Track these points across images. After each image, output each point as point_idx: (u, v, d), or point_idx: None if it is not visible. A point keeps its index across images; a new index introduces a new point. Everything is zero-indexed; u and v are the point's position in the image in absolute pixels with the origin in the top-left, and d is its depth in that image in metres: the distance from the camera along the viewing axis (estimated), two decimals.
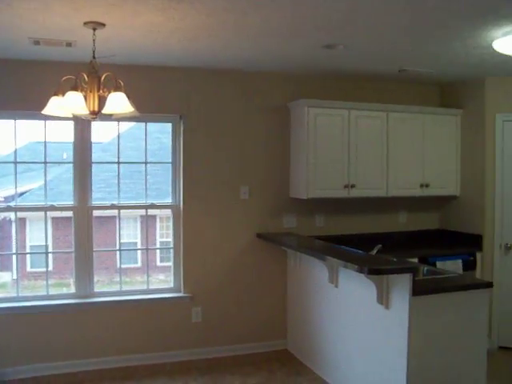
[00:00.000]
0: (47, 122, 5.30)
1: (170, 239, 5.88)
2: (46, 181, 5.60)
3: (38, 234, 8.77)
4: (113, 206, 5.70)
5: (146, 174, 5.78)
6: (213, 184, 5.81)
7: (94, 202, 5.57)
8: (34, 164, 6.32)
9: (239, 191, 5.91)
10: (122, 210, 5.78)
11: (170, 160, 5.80)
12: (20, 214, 6.61)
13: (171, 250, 5.87)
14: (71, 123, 5.39)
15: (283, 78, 6.02)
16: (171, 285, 5.86)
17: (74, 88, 3.78)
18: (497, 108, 6.08)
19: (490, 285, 4.39)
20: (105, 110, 3.90)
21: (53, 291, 5.69)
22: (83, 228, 5.49)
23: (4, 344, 5.18)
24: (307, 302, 5.63)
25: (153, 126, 5.97)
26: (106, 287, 6.22)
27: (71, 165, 5.53)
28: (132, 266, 9.42)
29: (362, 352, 4.61)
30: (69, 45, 4.49)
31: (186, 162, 5.72)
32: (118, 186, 5.65)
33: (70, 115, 4.01)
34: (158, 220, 10.14)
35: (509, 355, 5.95)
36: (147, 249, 6.14)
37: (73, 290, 5.57)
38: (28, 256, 10.18)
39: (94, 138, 5.56)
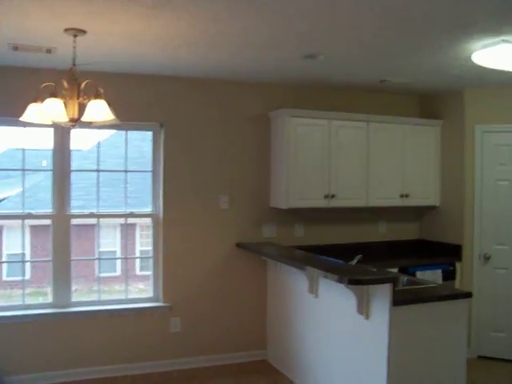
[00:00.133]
0: (26, 128, 5.23)
1: (150, 248, 5.83)
2: (24, 188, 5.53)
3: (15, 242, 8.65)
4: (91, 215, 5.64)
5: (126, 182, 5.73)
6: (193, 193, 5.78)
7: (73, 210, 5.51)
8: (12, 171, 6.23)
9: (219, 200, 5.89)
10: (101, 219, 5.73)
11: (150, 168, 5.76)
12: None
13: (150, 260, 5.82)
14: (51, 130, 5.33)
15: (264, 87, 6.02)
16: (150, 294, 5.81)
17: (54, 95, 3.74)
18: (476, 119, 6.13)
19: (469, 295, 4.41)
20: (84, 118, 3.86)
21: (29, 300, 5.62)
22: (61, 236, 5.43)
23: None
24: (287, 312, 5.60)
25: (134, 134, 5.93)
26: (85, 296, 6.14)
27: (50, 172, 5.46)
28: (111, 274, 9.32)
29: (342, 362, 4.60)
30: (49, 51, 4.45)
31: (167, 171, 5.69)
32: (98, 195, 5.60)
33: (49, 122, 3.95)
34: (138, 228, 10.07)
35: (488, 365, 5.96)
36: (126, 258, 6.10)
37: (50, 299, 5.48)
38: (4, 264, 10.04)
39: (73, 146, 5.52)
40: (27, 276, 6.96)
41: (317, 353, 5.01)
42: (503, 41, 4.02)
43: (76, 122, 3.91)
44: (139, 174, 6.05)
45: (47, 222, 5.46)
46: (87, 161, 6.00)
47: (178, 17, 3.63)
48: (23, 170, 5.41)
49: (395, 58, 4.84)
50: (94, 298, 5.73)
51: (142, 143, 6.45)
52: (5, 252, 9.92)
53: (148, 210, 5.80)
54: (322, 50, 4.55)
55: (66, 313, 5.38)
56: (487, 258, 6.12)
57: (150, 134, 5.77)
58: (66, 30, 3.82)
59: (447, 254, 6.31)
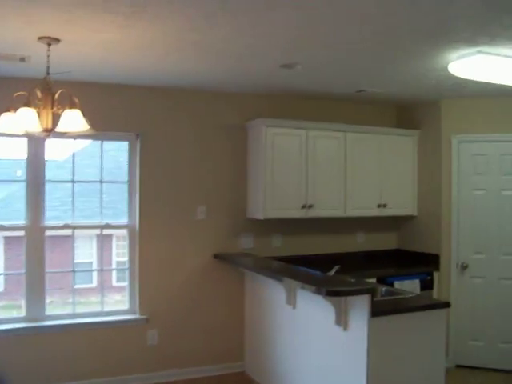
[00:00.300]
0: None
1: (126, 259, 5.75)
2: None
3: None
4: (66, 226, 5.55)
5: (102, 193, 5.67)
6: (169, 204, 5.73)
7: (48, 222, 5.42)
8: None
9: (196, 211, 5.85)
10: (77, 229, 5.64)
11: (126, 179, 5.69)
12: None
13: (126, 271, 5.74)
14: (25, 140, 5.25)
15: (241, 97, 6.01)
16: (126, 306, 5.73)
17: (27, 104, 3.68)
18: (452, 129, 6.18)
19: (447, 305, 4.40)
20: (59, 128, 3.81)
21: (2, 314, 5.50)
22: (35, 248, 5.33)
23: None
24: (265, 323, 5.56)
25: (110, 145, 5.86)
26: (60, 308, 6.03)
27: (24, 183, 5.36)
28: (87, 286, 9.19)
29: (321, 374, 4.56)
30: (22, 60, 4.37)
31: (143, 182, 5.64)
32: (73, 205, 5.52)
33: (22, 132, 3.88)
34: (114, 239, 9.95)
35: (466, 374, 5.97)
36: (101, 270, 6.01)
37: (23, 313, 5.37)
38: None
39: (49, 156, 5.44)
40: (0, 289, 6.82)
41: (295, 364, 4.97)
42: (479, 52, 4.05)
43: (50, 132, 3.85)
44: (116, 184, 5.97)
45: (21, 233, 5.36)
46: (63, 171, 5.90)
47: (155, 26, 3.60)
48: None
49: (372, 68, 4.85)
50: (69, 310, 5.61)
51: (118, 153, 6.38)
52: None
53: (124, 221, 5.73)
54: (299, 59, 4.54)
55: (40, 327, 5.26)
56: (464, 268, 6.14)
57: (126, 144, 5.71)
58: (40, 38, 3.76)
59: (425, 264, 6.32)
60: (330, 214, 6.07)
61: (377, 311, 3.96)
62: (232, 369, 5.96)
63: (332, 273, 4.99)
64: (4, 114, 3.87)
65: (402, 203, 6.48)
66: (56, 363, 5.28)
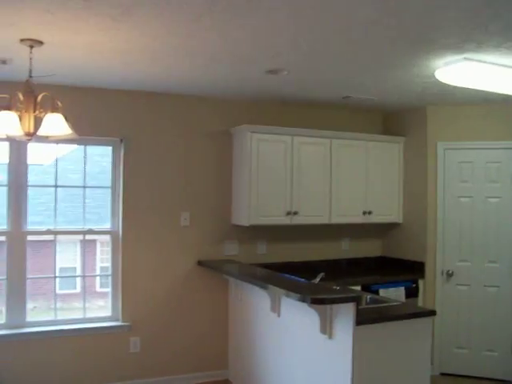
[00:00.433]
0: None
1: (109, 265, 5.68)
2: None
3: None
4: (48, 232, 5.47)
5: (85, 198, 5.60)
6: (153, 210, 5.67)
7: (31, 227, 5.35)
8: None
9: (180, 217, 5.79)
10: (61, 235, 5.57)
11: (110, 184, 5.63)
12: None
13: (109, 278, 5.67)
14: (6, 144, 5.17)
15: (226, 103, 5.97)
16: (109, 313, 5.65)
17: (8, 107, 3.62)
18: (438, 136, 6.19)
19: (432, 313, 4.39)
20: (40, 132, 3.76)
21: None
22: (16, 254, 5.25)
23: None
24: (249, 331, 5.51)
25: (95, 149, 5.80)
26: (43, 314, 5.93)
27: (6, 187, 5.27)
28: (71, 291, 9.09)
29: (306, 382, 4.51)
30: (4, 62, 4.30)
31: (126, 187, 5.57)
32: (55, 211, 5.46)
33: (3, 136, 3.82)
34: (98, 245, 9.84)
35: (451, 382, 5.98)
36: (84, 276, 5.92)
37: (3, 319, 5.27)
38: None
39: (33, 160, 5.37)
40: None
41: (280, 373, 4.92)
42: (465, 59, 4.05)
43: (32, 135, 3.79)
44: (101, 189, 5.89)
45: (2, 238, 5.28)
46: (48, 176, 5.82)
47: (139, 29, 3.55)
48: None
49: (358, 74, 4.84)
50: (50, 317, 5.52)
51: (103, 158, 6.31)
52: None
53: (107, 226, 5.66)
54: (285, 65, 4.51)
55: (20, 334, 5.17)
56: (450, 275, 6.14)
57: (109, 149, 5.64)
58: (22, 40, 3.69)
59: (410, 272, 6.31)
60: (315, 221, 6.05)
61: (362, 319, 3.93)
62: (215, 377, 5.90)
63: (317, 280, 4.96)
64: None
65: (388, 210, 6.47)
66: (37, 371, 5.19)
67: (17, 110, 3.69)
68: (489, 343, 6.04)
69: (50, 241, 5.56)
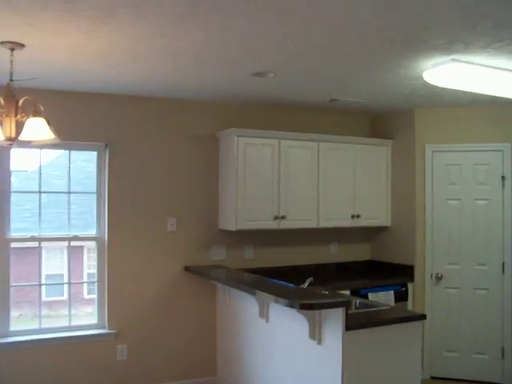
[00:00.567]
0: None
1: (95, 272, 5.60)
2: None
3: None
4: (33, 238, 5.38)
5: (70, 204, 5.52)
6: (139, 215, 5.60)
7: (15, 234, 5.26)
8: None
9: (166, 223, 5.72)
10: (45, 241, 5.49)
11: (95, 190, 5.55)
12: None
13: (95, 284, 5.59)
14: None
15: (212, 106, 5.92)
16: (95, 320, 5.57)
17: None
18: (426, 139, 6.17)
19: (423, 317, 4.35)
20: (22, 137, 3.68)
21: None
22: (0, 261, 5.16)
23: None
24: (237, 337, 5.44)
25: (80, 155, 5.72)
26: (29, 322, 5.85)
27: None
28: (58, 298, 8.99)
29: None
30: None
31: (111, 193, 5.50)
32: (39, 217, 5.37)
33: None
34: (85, 251, 9.75)
35: None
36: (69, 283, 5.82)
37: None
38: None
39: (17, 166, 5.31)
40: None
41: (269, 379, 4.86)
42: (453, 60, 4.02)
43: (13, 140, 3.70)
44: (86, 195, 5.81)
45: None
46: (32, 182, 5.75)
47: (122, 31, 3.48)
48: None
49: (345, 76, 4.79)
50: (35, 326, 5.42)
51: (88, 164, 6.24)
52: None
53: (93, 232, 5.58)
54: (271, 67, 4.46)
55: (4, 343, 5.06)
56: (439, 278, 6.11)
57: (94, 154, 5.57)
58: (2, 43, 3.61)
59: (399, 275, 6.27)
60: (303, 225, 6.00)
61: (351, 324, 3.88)
62: (204, 383, 5.82)
63: (305, 285, 4.91)
64: None
65: (376, 214, 6.44)
66: (22, 381, 5.09)
67: None
68: (479, 346, 6.02)
69: (36, 247, 5.48)
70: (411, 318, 4.29)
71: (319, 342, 4.10)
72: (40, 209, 5.39)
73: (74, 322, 5.55)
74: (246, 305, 5.18)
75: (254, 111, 6.14)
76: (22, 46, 3.70)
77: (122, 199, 5.53)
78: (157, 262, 5.67)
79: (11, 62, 3.72)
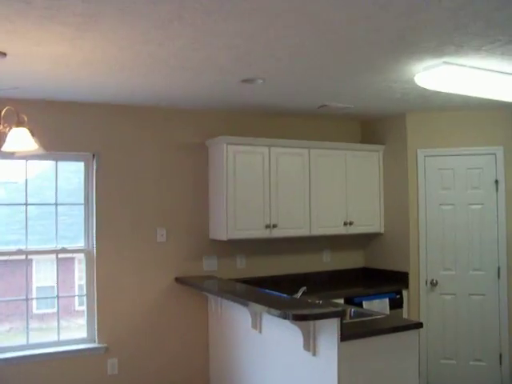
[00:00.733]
0: None
1: (84, 285, 5.50)
2: None
3: None
4: (19, 252, 5.27)
5: (58, 215, 5.42)
6: (128, 226, 5.51)
7: (2, 246, 5.19)
8: None
9: (156, 233, 5.63)
10: (33, 255, 5.40)
11: (82, 201, 5.45)
12: None
13: (84, 298, 5.48)
14: None
15: (201, 114, 5.86)
16: (84, 335, 5.45)
17: None
18: (418, 143, 6.12)
19: (419, 325, 4.26)
20: (5, 148, 3.60)
21: None
22: None
23: None
24: (230, 348, 5.34)
25: (70, 165, 5.63)
26: (20, 335, 5.75)
27: None
28: (50, 310, 8.88)
29: None
30: None
31: (99, 204, 5.40)
32: (26, 230, 5.27)
33: None
34: (76, 262, 9.65)
35: None
36: (57, 297, 5.71)
37: None
38: None
39: (5, 177, 5.28)
40: None
41: None
42: (444, 62, 3.97)
43: None
44: (76, 206, 5.70)
45: None
46: (22, 193, 5.68)
47: (106, 38, 3.40)
48: None
49: (335, 80, 4.71)
50: (23, 341, 5.29)
51: (77, 175, 6.15)
52: None
53: (81, 244, 5.47)
54: (259, 73, 4.39)
55: None
56: (434, 284, 6.04)
57: (81, 164, 5.47)
58: None
59: (393, 282, 6.21)
60: (295, 234, 5.93)
61: (347, 335, 3.80)
62: None
63: (298, 295, 4.83)
64: None
65: (369, 220, 6.37)
66: None
67: None
68: (476, 353, 5.95)
69: (25, 260, 5.38)
70: (408, 327, 4.20)
71: (314, 354, 4.01)
72: (27, 221, 5.28)
73: (66, 335, 5.43)
74: (239, 316, 5.08)
75: (244, 118, 6.07)
76: (4, 54, 3.60)
77: (110, 210, 5.43)
78: (147, 274, 5.57)
79: None
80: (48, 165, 5.72)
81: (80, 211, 5.53)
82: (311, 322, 3.96)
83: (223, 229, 5.54)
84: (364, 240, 6.74)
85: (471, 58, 3.91)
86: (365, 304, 5.70)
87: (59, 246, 5.42)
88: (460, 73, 4.14)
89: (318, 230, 6.02)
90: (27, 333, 5.30)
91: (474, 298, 5.98)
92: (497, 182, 5.92)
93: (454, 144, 6.03)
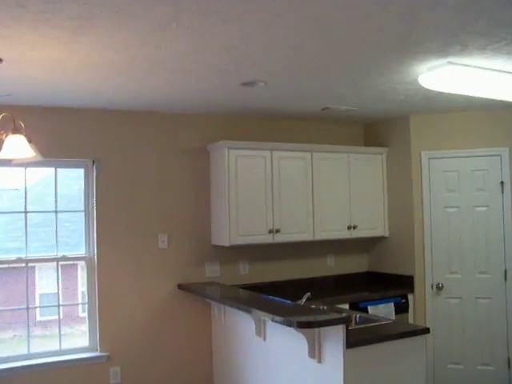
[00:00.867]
0: None
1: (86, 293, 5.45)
2: None
3: None
4: (19, 260, 5.21)
5: (58, 222, 5.37)
6: (129, 233, 5.45)
7: (2, 255, 5.14)
8: None
9: (157, 240, 5.57)
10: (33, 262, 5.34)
11: (83, 208, 5.39)
12: None
13: (86, 306, 5.42)
14: None
15: (201, 119, 5.80)
16: (86, 343, 5.38)
17: None
18: (422, 145, 6.06)
19: (426, 331, 4.18)
20: (2, 155, 3.54)
21: None
22: None
23: None
24: (234, 356, 5.27)
25: (71, 172, 5.58)
26: (24, 342, 5.71)
27: None
28: (54, 317, 8.84)
29: None
30: None
31: (100, 210, 5.34)
32: (26, 237, 5.21)
33: None
34: (79, 268, 9.61)
35: None
36: (59, 305, 5.64)
37: None
38: None
39: (6, 185, 5.26)
40: None
41: None
42: (449, 63, 3.90)
43: None
44: (78, 213, 5.64)
45: None
46: (24, 201, 5.64)
47: (102, 42, 3.33)
48: None
49: (338, 82, 4.65)
50: (24, 351, 5.22)
51: (78, 181, 6.10)
52: None
53: (82, 252, 5.41)
54: (261, 76, 4.33)
55: None
56: (440, 288, 5.97)
57: (81, 171, 5.41)
58: None
59: (399, 286, 6.14)
60: (299, 238, 5.86)
61: (352, 341, 3.74)
62: None
63: (303, 301, 4.76)
64: None
65: (373, 224, 6.31)
66: None
67: None
68: (484, 357, 5.87)
69: (31, 267, 5.34)
70: (414, 333, 4.12)
71: (319, 361, 3.94)
72: (27, 228, 5.23)
73: (69, 342, 5.38)
74: (242, 323, 5.01)
75: (245, 122, 6.02)
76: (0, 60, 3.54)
77: (111, 217, 5.38)
78: (149, 281, 5.51)
79: None
80: (48, 171, 5.68)
81: (80, 218, 5.47)
82: (316, 329, 3.89)
83: (225, 234, 5.48)
84: (368, 244, 6.67)
85: (476, 58, 3.84)
86: (370, 309, 5.64)
87: (60, 254, 5.37)
88: (465, 73, 4.07)
89: (322, 235, 5.96)
90: (28, 341, 5.23)
91: (480, 301, 5.90)
92: (502, 183, 5.85)
93: (459, 146, 5.96)
